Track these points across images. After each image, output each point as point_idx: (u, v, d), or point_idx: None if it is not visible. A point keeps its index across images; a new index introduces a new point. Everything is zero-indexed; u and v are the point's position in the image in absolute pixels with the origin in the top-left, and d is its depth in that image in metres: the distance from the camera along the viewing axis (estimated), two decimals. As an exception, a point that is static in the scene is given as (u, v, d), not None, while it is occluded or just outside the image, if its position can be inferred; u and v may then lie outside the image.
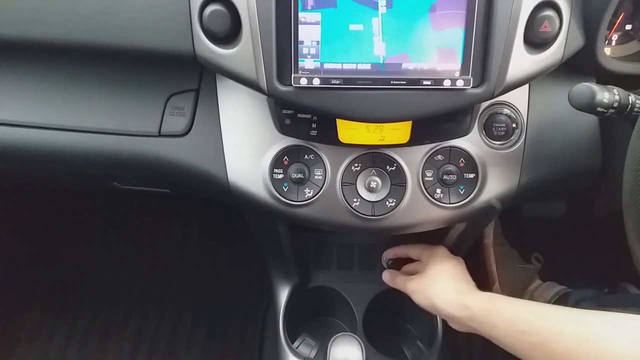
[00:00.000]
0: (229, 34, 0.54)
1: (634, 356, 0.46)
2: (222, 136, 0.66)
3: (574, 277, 1.09)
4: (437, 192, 0.65)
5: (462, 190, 0.65)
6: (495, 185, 0.66)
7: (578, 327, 0.51)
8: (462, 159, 0.65)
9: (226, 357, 1.17)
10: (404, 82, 0.55)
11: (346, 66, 0.55)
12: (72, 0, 0.58)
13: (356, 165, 0.65)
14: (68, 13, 0.59)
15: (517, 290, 1.11)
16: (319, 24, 0.54)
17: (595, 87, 0.51)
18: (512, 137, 0.66)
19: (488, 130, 0.66)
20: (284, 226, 0.76)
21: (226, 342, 1.19)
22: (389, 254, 0.87)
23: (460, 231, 0.74)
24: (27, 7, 0.59)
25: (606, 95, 0.51)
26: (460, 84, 0.55)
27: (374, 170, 0.66)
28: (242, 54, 0.54)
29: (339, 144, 0.64)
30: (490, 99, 0.57)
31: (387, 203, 0.65)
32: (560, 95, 0.65)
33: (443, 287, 0.69)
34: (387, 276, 0.84)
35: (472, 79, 0.55)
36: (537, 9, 0.54)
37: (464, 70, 0.55)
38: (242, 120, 0.66)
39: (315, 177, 0.65)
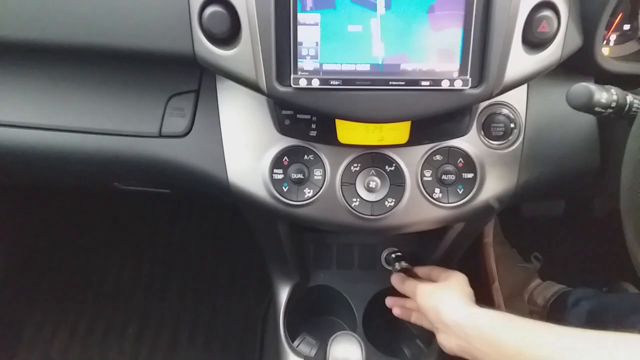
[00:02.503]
0: (229, 35, 0.54)
1: None
2: (222, 137, 0.66)
3: (573, 276, 1.10)
4: (435, 192, 0.65)
5: (460, 190, 0.65)
6: (493, 185, 0.66)
7: (592, 347, 0.49)
8: (460, 159, 0.65)
9: (227, 356, 1.17)
10: (403, 83, 0.55)
11: (345, 67, 0.56)
12: (71, 1, 0.59)
13: (355, 165, 0.66)
14: (68, 14, 0.59)
15: (517, 289, 1.12)
16: (318, 25, 0.54)
17: (593, 87, 0.51)
18: (511, 137, 0.66)
19: (486, 130, 0.66)
20: (284, 226, 0.76)
21: (227, 341, 1.19)
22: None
23: (459, 231, 0.75)
24: (27, 9, 0.59)
25: (604, 95, 0.51)
26: (458, 84, 0.55)
27: (373, 170, 0.66)
28: (241, 55, 0.55)
29: (339, 144, 0.64)
30: (489, 99, 0.57)
31: (386, 203, 0.65)
32: (559, 95, 0.65)
33: (453, 294, 0.68)
34: (396, 279, 0.81)
35: (470, 79, 0.55)
36: (535, 9, 0.54)
37: (462, 70, 0.55)
38: (241, 120, 0.66)
39: (315, 177, 0.65)
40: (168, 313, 1.24)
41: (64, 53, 0.63)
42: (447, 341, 0.66)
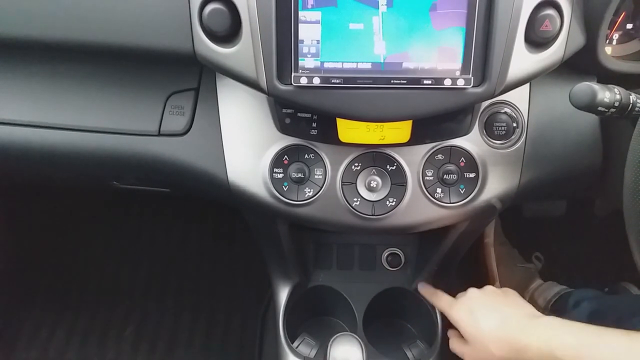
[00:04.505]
0: (229, 33, 0.54)
1: None
2: (222, 135, 0.65)
3: (575, 276, 1.09)
4: (437, 191, 0.65)
5: (462, 190, 0.65)
6: (495, 185, 0.66)
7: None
8: (462, 158, 0.65)
9: (226, 357, 1.17)
10: (405, 82, 0.55)
11: (346, 65, 0.55)
12: (71, -1, 0.58)
13: (356, 164, 0.65)
14: (67, 12, 0.58)
15: (518, 290, 1.11)
16: (319, 22, 0.54)
17: (596, 86, 0.51)
18: (513, 137, 0.66)
19: (489, 129, 0.65)
20: (284, 226, 0.76)
21: (226, 342, 1.19)
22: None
23: (461, 231, 0.74)
24: (26, 7, 0.59)
25: (607, 94, 0.50)
26: (460, 83, 0.55)
27: (374, 170, 0.65)
28: (242, 53, 0.54)
29: (339, 143, 0.64)
30: (491, 98, 0.57)
31: (388, 202, 0.65)
32: (561, 95, 0.65)
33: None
34: (426, 290, 0.81)
35: (472, 78, 0.55)
36: (538, 8, 0.54)
37: (464, 69, 0.55)
38: (242, 119, 0.65)
39: (316, 176, 0.65)
40: (167, 313, 1.23)
41: (63, 51, 0.62)
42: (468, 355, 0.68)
